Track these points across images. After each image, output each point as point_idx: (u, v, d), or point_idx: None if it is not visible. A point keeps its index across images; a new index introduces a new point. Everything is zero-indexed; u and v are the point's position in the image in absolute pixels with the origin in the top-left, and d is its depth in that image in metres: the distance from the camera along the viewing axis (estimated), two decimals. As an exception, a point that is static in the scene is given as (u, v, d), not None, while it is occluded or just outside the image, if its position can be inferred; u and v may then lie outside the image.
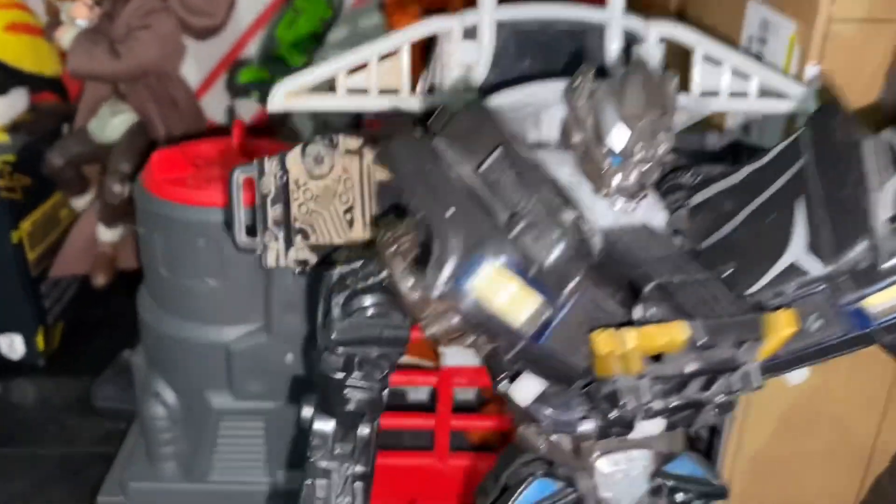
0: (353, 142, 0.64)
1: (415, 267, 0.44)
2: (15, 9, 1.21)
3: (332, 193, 0.64)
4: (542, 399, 0.51)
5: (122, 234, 1.16)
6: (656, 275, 0.46)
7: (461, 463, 0.89)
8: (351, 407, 0.54)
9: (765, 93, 0.67)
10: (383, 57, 0.60)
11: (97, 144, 1.15)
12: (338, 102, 0.60)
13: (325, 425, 0.56)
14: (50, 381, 1.22)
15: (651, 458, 0.56)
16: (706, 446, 0.97)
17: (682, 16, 1.07)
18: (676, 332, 0.43)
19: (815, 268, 0.45)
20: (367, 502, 0.55)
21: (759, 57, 0.81)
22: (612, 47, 0.63)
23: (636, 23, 0.63)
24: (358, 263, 0.51)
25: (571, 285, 0.43)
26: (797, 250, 0.46)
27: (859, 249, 0.44)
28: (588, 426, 0.51)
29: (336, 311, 0.49)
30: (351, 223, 0.65)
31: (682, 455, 0.58)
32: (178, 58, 1.14)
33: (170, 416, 0.90)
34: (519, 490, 0.56)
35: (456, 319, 0.49)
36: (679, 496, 0.58)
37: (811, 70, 0.73)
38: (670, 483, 0.57)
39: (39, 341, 1.22)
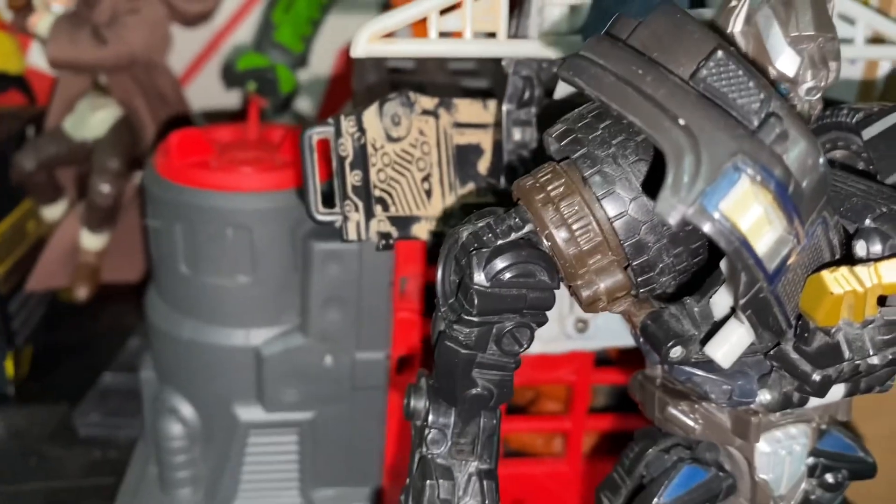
0: (429, 101, 0.57)
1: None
2: (-23, 1, 1.10)
3: (409, 158, 0.56)
4: (709, 368, 0.45)
5: (107, 241, 1.05)
6: (874, 205, 0.40)
7: (594, 468, 0.80)
8: (477, 390, 0.46)
9: (872, 40, 0.63)
10: (477, -2, 0.54)
11: (74, 144, 1.04)
12: (429, 47, 0.53)
13: (444, 416, 0.48)
14: (22, 410, 1.09)
15: (809, 434, 0.50)
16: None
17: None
18: None
19: None
20: (497, 500, 0.48)
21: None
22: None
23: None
24: (491, 218, 0.44)
25: (816, 211, 0.37)
26: None
27: None
28: (767, 396, 0.45)
29: (478, 275, 0.42)
30: (429, 193, 0.58)
31: (833, 431, 0.52)
32: (165, 46, 1.05)
33: (188, 436, 0.80)
34: (667, 481, 0.49)
35: (620, 275, 0.42)
36: (829, 476, 0.52)
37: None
38: (825, 461, 0.51)
39: (9, 367, 1.09)
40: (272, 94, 1.02)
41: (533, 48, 0.54)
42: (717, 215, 0.35)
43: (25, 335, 1.13)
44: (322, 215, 0.55)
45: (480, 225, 0.44)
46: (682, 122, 0.35)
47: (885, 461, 0.88)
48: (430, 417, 0.48)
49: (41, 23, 0.98)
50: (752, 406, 0.46)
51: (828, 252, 0.39)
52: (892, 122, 0.47)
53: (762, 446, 0.49)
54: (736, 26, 0.45)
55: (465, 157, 0.59)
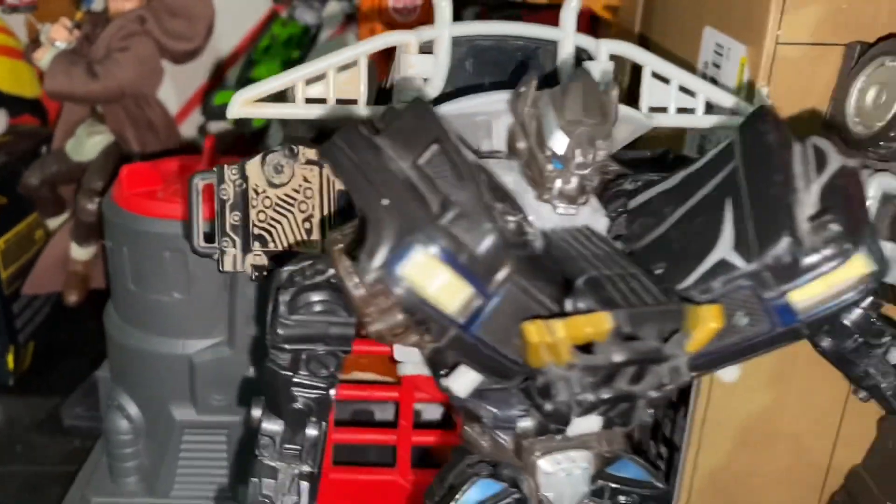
0: (313, 152, 0.66)
1: (352, 257, 0.45)
2: (-2, 32, 1.24)
3: (292, 202, 0.65)
4: (482, 396, 0.53)
5: (95, 252, 1.17)
6: (588, 269, 0.48)
7: (423, 479, 0.89)
8: (298, 405, 0.55)
9: (712, 109, 0.70)
10: (342, 68, 0.63)
11: (73, 164, 1.17)
12: (295, 111, 0.62)
13: (274, 424, 0.57)
14: (19, 400, 1.22)
15: (591, 459, 0.57)
16: (666, 464, 0.98)
17: (644, 41, 1.10)
18: (601, 321, 0.44)
19: (740, 265, 0.47)
20: (313, 502, 0.56)
21: (714, 80, 0.84)
22: (565, 64, 0.65)
23: (587, 41, 0.66)
24: (307, 262, 0.53)
25: (502, 275, 0.44)
26: (724, 248, 0.47)
27: (781, 246, 0.46)
28: (527, 422, 0.53)
29: (282, 308, 0.51)
30: (310, 231, 0.67)
31: (623, 458, 0.59)
32: (155, 81, 1.16)
33: (133, 430, 0.91)
34: (463, 489, 0.57)
35: (399, 316, 0.50)
36: (622, 499, 0.59)
37: (760, 91, 0.75)
38: (612, 485, 0.58)
39: (10, 360, 1.22)
40: (245, 127, 1.12)
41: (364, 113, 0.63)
42: (397, 278, 0.43)
43: (28, 332, 1.26)
44: (202, 248, 0.64)
45: (295, 268, 0.52)
46: (384, 202, 0.43)
47: (780, 494, 0.94)
48: (263, 426, 0.57)
49: (44, 57, 1.10)
50: (518, 431, 0.54)
51: (537, 306, 0.47)
52: (649, 196, 0.54)
53: (545, 467, 0.56)
54: (524, 108, 0.53)
55: (347, 201, 0.67)
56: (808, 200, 0.47)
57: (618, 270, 0.48)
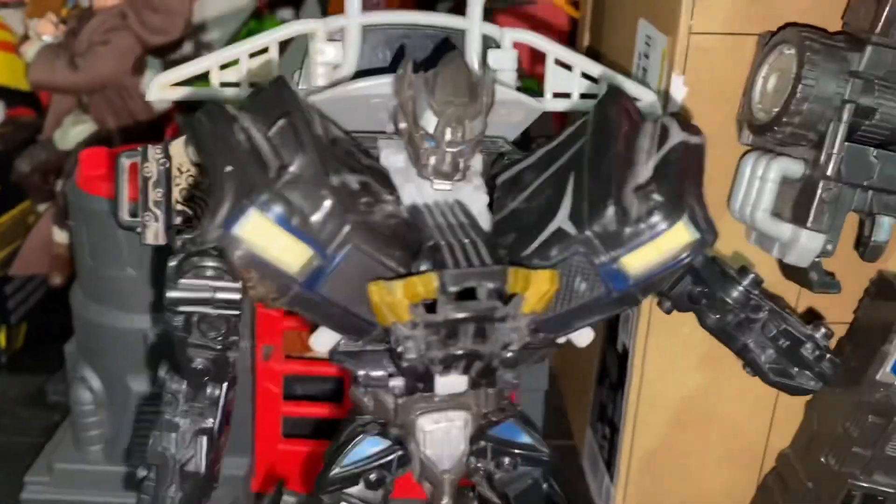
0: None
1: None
2: (-7, 27, 1.30)
3: (214, 180, 0.70)
4: (358, 357, 0.57)
5: (78, 236, 1.23)
6: (436, 237, 0.51)
7: None
8: (196, 365, 0.59)
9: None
10: (254, 54, 0.67)
11: (60, 152, 1.23)
12: (209, 94, 0.67)
13: (177, 383, 0.61)
14: (10, 377, 1.28)
15: (468, 420, 0.60)
16: (609, 444, 1.01)
17: (595, 32, 1.13)
18: (429, 280, 0.48)
19: (573, 232, 0.50)
20: (209, 456, 0.60)
21: (644, 70, 0.87)
22: (472, 51, 0.69)
23: (492, 29, 0.69)
24: (199, 231, 0.57)
25: (340, 238, 0.48)
26: (562, 218, 0.51)
27: (608, 214, 0.49)
28: (397, 382, 0.56)
29: (170, 272, 0.55)
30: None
31: (509, 421, 0.63)
32: (137, 72, 1.22)
33: (95, 401, 0.96)
34: (350, 445, 0.60)
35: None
36: (505, 459, 0.62)
37: (675, 80, 0.78)
38: (494, 446, 0.62)
39: (1, 339, 1.29)
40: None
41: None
42: (234, 238, 0.47)
43: (21, 313, 1.33)
44: (126, 221, 0.69)
45: (188, 237, 0.57)
46: (228, 168, 0.47)
47: (718, 475, 0.96)
48: (167, 384, 0.61)
49: (30, 50, 1.17)
50: (391, 390, 0.57)
51: (383, 269, 0.50)
52: (514, 171, 0.58)
53: (423, 425, 0.59)
54: (402, 91, 0.57)
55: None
56: (643, 173, 0.50)
57: (462, 239, 0.51)
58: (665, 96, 0.79)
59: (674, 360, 0.91)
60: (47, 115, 1.27)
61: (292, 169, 0.47)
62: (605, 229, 0.49)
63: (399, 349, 0.49)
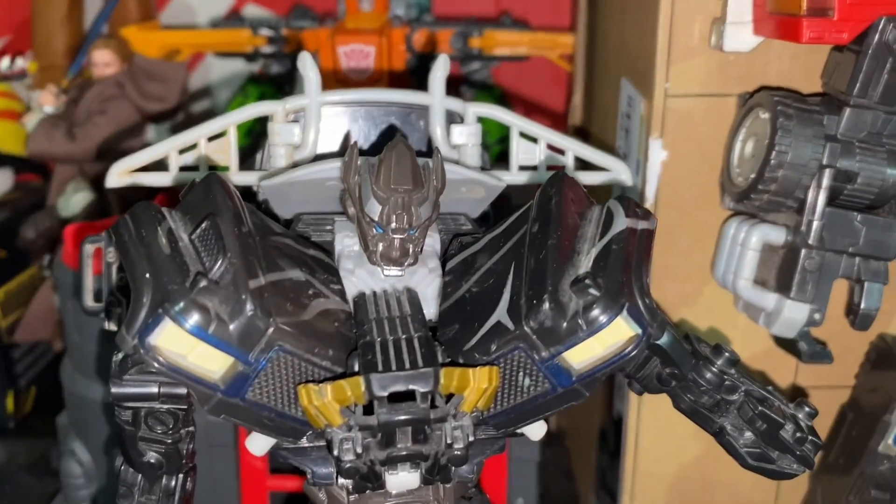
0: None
1: None
2: (2, 97, 1.33)
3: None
4: (305, 454, 0.55)
5: (79, 303, 1.24)
6: (373, 333, 0.50)
7: None
8: (148, 459, 0.58)
9: (586, 166, 0.71)
10: (212, 138, 0.66)
11: (63, 219, 1.24)
12: (169, 179, 0.66)
13: (133, 476, 0.60)
14: (17, 443, 1.28)
15: (428, 514, 0.58)
16: (608, 516, 0.97)
17: (588, 90, 1.11)
18: (356, 384, 0.46)
19: (511, 327, 0.48)
20: (164, 552, 0.59)
21: (626, 131, 0.85)
22: (436, 126, 0.68)
23: (455, 104, 0.68)
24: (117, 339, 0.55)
25: (262, 343, 0.47)
26: (501, 311, 0.49)
27: (543, 310, 0.47)
28: (346, 480, 0.54)
29: (113, 368, 0.54)
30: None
31: (471, 513, 0.60)
32: (135, 141, 1.23)
33: (84, 474, 0.95)
34: (306, 544, 0.59)
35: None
36: (467, 554, 0.60)
37: (653, 144, 0.76)
38: (456, 540, 0.59)
39: (9, 404, 1.29)
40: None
41: (252, 179, 0.66)
42: (150, 347, 0.45)
43: (30, 378, 1.33)
44: (90, 307, 0.69)
45: None
46: (147, 275, 0.46)
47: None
48: (121, 476, 0.60)
49: (30, 121, 1.19)
50: (340, 488, 0.55)
51: (316, 369, 0.49)
52: (462, 257, 0.56)
53: (383, 522, 0.57)
54: (351, 176, 0.56)
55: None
56: (583, 264, 0.48)
57: (400, 335, 0.49)
58: (645, 159, 0.77)
59: (670, 428, 0.87)
60: (52, 182, 1.28)
61: (211, 274, 0.46)
62: (542, 325, 0.47)
63: (335, 453, 0.47)
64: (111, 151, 1.18)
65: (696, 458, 0.89)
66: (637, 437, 0.88)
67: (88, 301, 0.69)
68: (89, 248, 0.68)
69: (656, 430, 0.87)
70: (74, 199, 1.22)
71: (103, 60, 1.19)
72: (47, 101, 1.21)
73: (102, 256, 0.67)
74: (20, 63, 1.27)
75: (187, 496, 0.61)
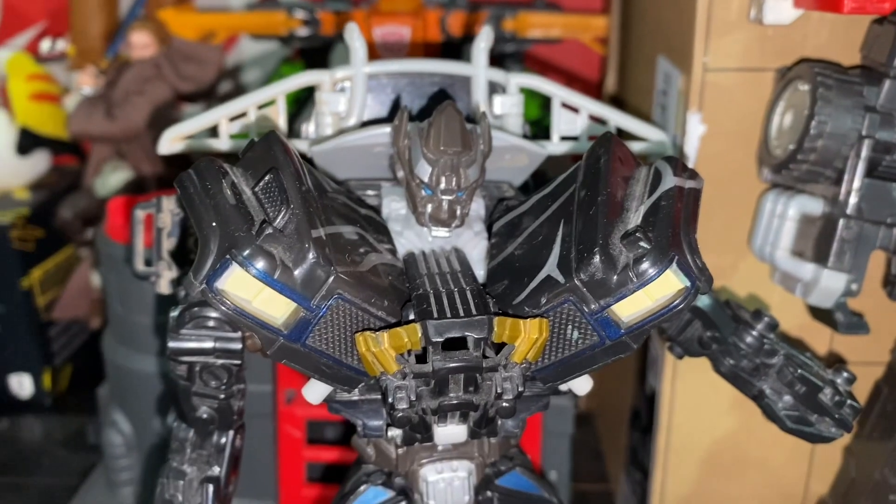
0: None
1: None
2: (39, 80, 1.35)
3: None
4: (356, 406, 0.56)
5: (116, 281, 1.26)
6: (426, 286, 0.51)
7: None
8: (201, 414, 0.59)
9: (626, 138, 0.72)
10: (262, 106, 0.68)
11: (99, 199, 1.26)
12: (219, 145, 0.68)
13: (184, 431, 0.61)
14: (54, 418, 1.31)
15: (472, 469, 0.59)
16: (641, 489, 0.98)
17: (622, 70, 1.12)
18: (413, 331, 0.48)
19: (561, 281, 0.49)
20: (213, 502, 0.60)
21: (663, 108, 0.86)
22: (479, 97, 0.69)
23: (498, 75, 0.69)
24: (185, 285, 0.57)
25: (323, 291, 0.48)
26: (551, 266, 0.50)
27: (594, 263, 0.48)
28: (395, 432, 0.56)
29: (171, 323, 0.56)
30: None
31: (516, 471, 0.61)
32: (173, 121, 1.25)
33: (126, 444, 0.97)
34: (353, 495, 0.60)
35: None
36: (514, 511, 0.61)
37: (692, 118, 0.77)
38: (498, 496, 0.60)
39: (46, 381, 1.32)
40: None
41: (301, 146, 0.68)
42: (217, 292, 0.47)
43: (65, 356, 1.36)
44: (141, 271, 0.70)
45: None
46: (212, 224, 0.48)
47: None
48: (174, 432, 0.61)
49: (70, 102, 1.21)
50: (389, 440, 0.57)
51: (371, 319, 0.50)
52: (510, 218, 0.57)
53: (425, 475, 0.59)
54: (399, 140, 0.57)
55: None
56: (632, 220, 0.49)
57: (452, 287, 0.51)
58: (683, 134, 0.77)
59: (703, 403, 0.88)
60: (88, 163, 1.31)
61: (276, 223, 0.47)
62: (593, 278, 0.48)
63: (389, 400, 0.49)
64: (148, 131, 1.20)
65: (729, 433, 0.90)
66: (670, 412, 0.89)
67: (139, 266, 0.70)
68: (140, 214, 0.70)
69: (689, 406, 0.88)
70: (112, 179, 1.24)
71: (141, 42, 1.21)
72: (86, 83, 1.23)
73: (153, 222, 0.69)
74: (60, 45, 1.29)
75: (237, 453, 0.63)
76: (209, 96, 1.28)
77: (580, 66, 1.23)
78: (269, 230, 0.46)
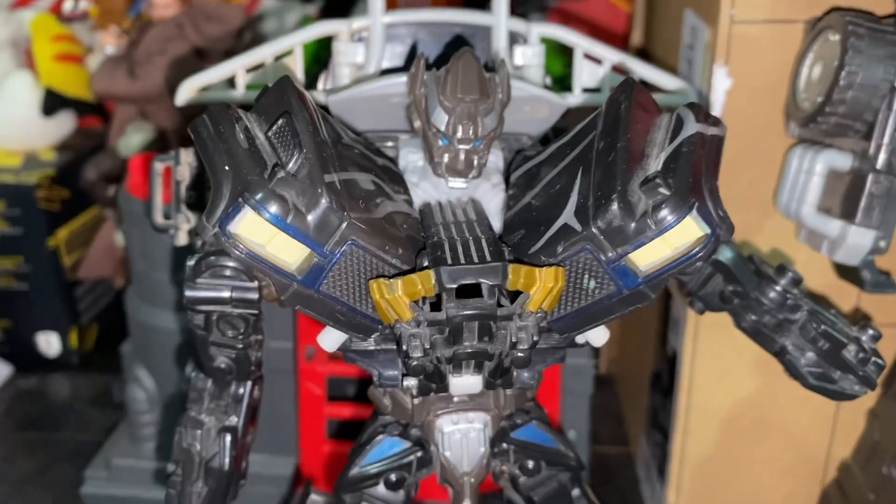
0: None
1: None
2: (63, 41, 1.35)
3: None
4: (372, 356, 0.56)
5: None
6: (440, 234, 0.50)
7: None
8: (218, 364, 0.59)
9: (650, 90, 0.70)
10: (279, 57, 0.67)
11: (123, 160, 1.27)
12: (237, 96, 0.67)
13: (202, 381, 0.62)
14: (81, 377, 1.33)
15: (488, 421, 0.59)
16: (661, 451, 0.97)
17: (648, 25, 1.10)
18: (427, 277, 0.47)
19: (578, 229, 0.48)
20: (233, 453, 0.60)
21: (689, 62, 0.84)
22: (499, 47, 0.68)
23: (519, 24, 0.68)
24: (198, 228, 0.57)
25: (337, 236, 0.48)
26: (568, 214, 0.49)
27: (612, 210, 0.47)
28: (410, 381, 0.56)
29: (188, 272, 0.56)
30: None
31: (532, 424, 0.61)
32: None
33: (149, 400, 0.99)
34: (370, 445, 0.60)
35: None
36: (529, 463, 0.61)
37: (718, 71, 0.75)
38: (514, 448, 0.60)
39: (73, 340, 1.34)
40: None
41: (318, 98, 0.67)
42: (230, 235, 0.47)
43: (92, 315, 1.38)
44: (160, 224, 0.70)
45: (207, 237, 0.57)
46: (225, 168, 0.47)
47: (776, 484, 0.92)
48: (192, 382, 0.62)
49: (93, 61, 1.21)
50: (405, 390, 0.56)
51: (385, 266, 0.49)
52: (527, 167, 0.56)
53: (441, 426, 0.58)
54: (415, 89, 0.56)
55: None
56: (652, 167, 0.48)
57: (467, 236, 0.50)
58: (709, 88, 0.76)
59: (725, 364, 0.87)
60: (112, 124, 1.31)
61: (289, 167, 0.47)
62: (610, 225, 0.47)
63: (404, 347, 0.48)
64: (170, 89, 1.20)
65: (750, 395, 0.89)
66: (691, 373, 0.88)
67: (158, 218, 0.70)
68: (159, 167, 0.70)
69: (711, 367, 0.87)
70: (135, 140, 1.25)
71: (163, 2, 1.21)
72: (109, 42, 1.23)
73: (172, 175, 0.69)
74: (83, 5, 1.29)
75: (255, 404, 0.63)
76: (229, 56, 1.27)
77: (606, 22, 1.21)
78: (282, 174, 0.46)
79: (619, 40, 1.19)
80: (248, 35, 1.31)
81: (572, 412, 0.91)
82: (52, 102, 1.34)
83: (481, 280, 0.47)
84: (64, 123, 1.37)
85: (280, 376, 0.93)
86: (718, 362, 0.87)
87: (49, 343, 1.33)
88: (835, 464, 0.91)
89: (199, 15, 1.22)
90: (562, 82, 0.76)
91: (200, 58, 1.21)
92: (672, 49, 0.92)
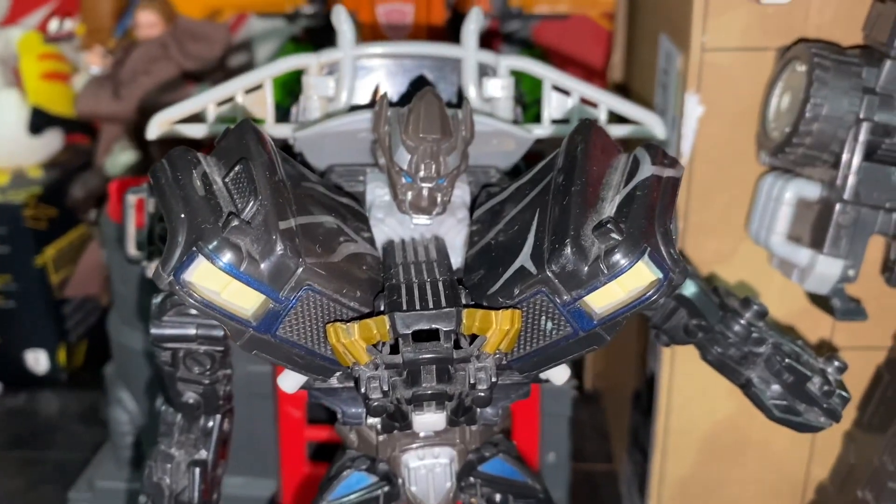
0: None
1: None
2: (50, 59, 1.36)
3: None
4: (335, 394, 0.56)
5: (126, 259, 1.27)
6: (399, 276, 0.51)
7: None
8: (186, 399, 0.60)
9: (617, 119, 0.70)
10: (249, 90, 0.68)
11: (109, 179, 1.27)
12: (207, 130, 0.68)
13: (173, 415, 0.62)
14: (69, 394, 1.34)
15: (454, 456, 0.59)
16: (640, 471, 0.98)
17: (629, 48, 1.10)
18: (382, 323, 0.47)
19: (533, 272, 0.48)
20: (202, 486, 0.61)
21: (664, 87, 0.85)
22: (468, 80, 0.68)
23: (488, 57, 0.68)
24: (154, 276, 0.57)
25: (292, 282, 0.48)
26: (524, 256, 0.49)
27: (565, 254, 0.47)
28: (373, 420, 0.56)
29: (153, 310, 0.56)
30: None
31: (499, 457, 0.61)
32: (179, 100, 1.25)
33: (131, 421, 0.99)
34: (337, 480, 0.60)
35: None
36: (496, 496, 0.61)
37: (689, 99, 0.75)
38: (481, 482, 0.60)
39: (61, 357, 1.34)
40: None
41: (288, 131, 0.68)
42: (185, 284, 0.47)
43: (80, 332, 1.38)
44: (133, 255, 0.71)
45: None
46: (182, 215, 0.48)
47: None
48: (161, 416, 0.62)
49: (78, 81, 1.22)
50: (369, 428, 0.57)
51: (344, 309, 0.50)
52: (490, 205, 0.56)
53: (407, 462, 0.59)
54: (381, 127, 0.57)
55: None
56: (607, 210, 0.48)
57: (425, 278, 0.50)
58: (681, 115, 0.76)
59: (703, 385, 0.87)
60: (99, 142, 1.32)
61: (243, 214, 0.47)
62: (564, 269, 0.47)
63: (363, 390, 0.49)
64: (154, 109, 1.21)
65: (729, 416, 0.89)
66: (669, 394, 0.88)
67: (131, 250, 0.71)
68: (132, 199, 0.70)
69: (689, 388, 0.88)
70: (122, 159, 1.25)
71: (148, 21, 1.21)
72: (94, 62, 1.23)
73: (144, 207, 0.69)
74: (68, 25, 1.30)
75: (224, 437, 0.64)
76: (217, 75, 1.28)
77: (589, 42, 1.22)
78: (236, 222, 0.46)
79: (601, 60, 1.20)
80: (243, 56, 1.32)
81: (552, 434, 0.92)
82: (40, 120, 1.34)
83: (435, 326, 0.48)
84: (51, 141, 1.38)
85: (259, 399, 0.93)
86: (696, 384, 0.87)
87: (37, 360, 1.34)
88: (813, 484, 0.91)
89: (184, 34, 1.22)
90: (539, 102, 0.76)
91: (186, 78, 1.21)
92: (650, 73, 0.92)
